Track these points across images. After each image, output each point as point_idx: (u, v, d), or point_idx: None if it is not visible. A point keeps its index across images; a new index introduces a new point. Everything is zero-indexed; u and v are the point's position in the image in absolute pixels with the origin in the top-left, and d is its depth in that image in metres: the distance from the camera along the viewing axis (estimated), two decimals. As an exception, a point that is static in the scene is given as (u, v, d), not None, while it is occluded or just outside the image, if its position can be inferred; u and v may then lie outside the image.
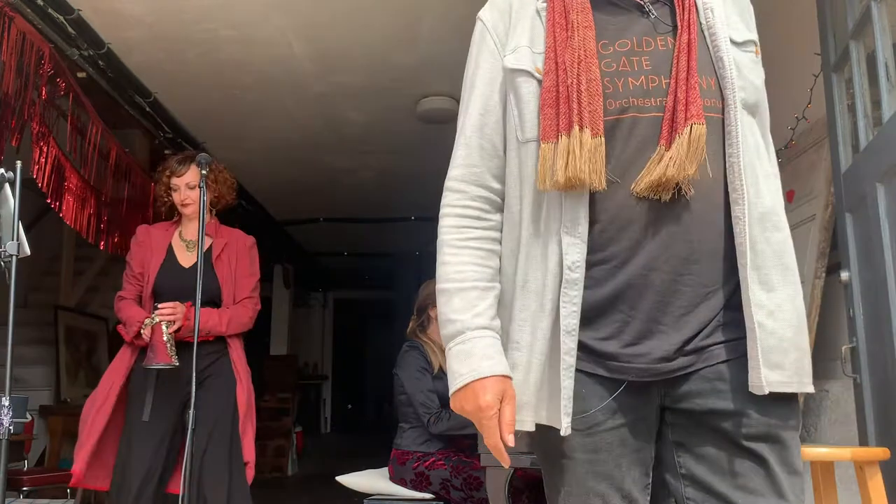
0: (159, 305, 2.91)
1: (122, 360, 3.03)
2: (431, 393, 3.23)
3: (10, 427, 2.19)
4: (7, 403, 2.19)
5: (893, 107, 2.18)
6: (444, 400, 3.27)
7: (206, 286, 2.89)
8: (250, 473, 2.99)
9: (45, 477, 4.47)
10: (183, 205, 3.05)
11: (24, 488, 4.22)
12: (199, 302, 2.75)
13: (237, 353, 3.06)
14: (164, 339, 2.83)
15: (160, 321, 2.85)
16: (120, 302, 3.12)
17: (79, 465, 2.86)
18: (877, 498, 1.93)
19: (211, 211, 3.14)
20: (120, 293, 3.14)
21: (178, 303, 2.91)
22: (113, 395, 2.95)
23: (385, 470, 3.34)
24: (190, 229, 3.11)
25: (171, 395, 2.93)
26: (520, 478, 3.06)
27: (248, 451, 2.99)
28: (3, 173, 2.33)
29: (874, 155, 2.28)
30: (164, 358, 2.81)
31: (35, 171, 3.46)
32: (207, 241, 3.04)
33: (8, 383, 2.22)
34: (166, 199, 3.13)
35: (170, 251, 3.08)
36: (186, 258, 3.05)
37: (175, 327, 2.86)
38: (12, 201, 2.33)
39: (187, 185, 3.03)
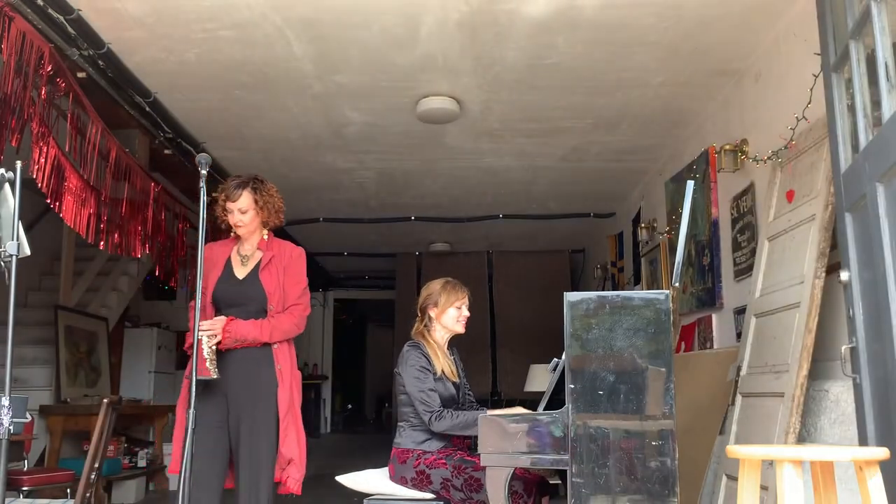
0: (200, 323, 3.09)
1: (188, 369, 3.25)
2: (433, 392, 3.23)
3: (10, 427, 2.20)
4: (7, 403, 2.20)
5: (893, 107, 2.18)
6: (444, 400, 3.27)
7: (254, 295, 3.21)
8: (296, 470, 3.18)
9: (45, 477, 4.47)
10: (236, 226, 3.27)
11: (24, 488, 4.22)
12: (198, 308, 2.83)
13: (283, 357, 3.24)
14: (205, 354, 3.00)
15: (201, 336, 3.00)
16: (191, 311, 3.35)
17: (176, 466, 3.13)
18: (877, 498, 1.93)
19: (262, 229, 3.35)
20: (191, 301, 3.36)
21: (216, 318, 3.12)
22: (182, 401, 3.20)
23: (385, 470, 3.34)
24: (245, 246, 3.34)
25: (215, 402, 3.15)
26: (520, 478, 3.06)
27: (291, 449, 3.19)
28: (3, 173, 2.33)
29: (874, 155, 2.28)
30: (204, 372, 2.98)
31: (35, 171, 3.46)
32: (258, 255, 3.31)
33: (8, 383, 2.23)
34: (224, 218, 3.32)
35: (227, 264, 3.31)
36: (241, 271, 3.29)
37: (215, 341, 3.05)
38: (12, 201, 2.33)
39: (239, 210, 3.23)
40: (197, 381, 3.03)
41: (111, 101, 4.32)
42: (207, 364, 2.98)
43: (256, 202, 3.25)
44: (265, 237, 3.35)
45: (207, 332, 3.02)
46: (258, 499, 3.12)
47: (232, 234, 3.35)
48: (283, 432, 3.18)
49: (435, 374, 3.29)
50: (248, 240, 3.32)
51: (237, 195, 3.22)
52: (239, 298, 3.19)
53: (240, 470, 3.16)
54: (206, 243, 3.13)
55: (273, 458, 3.17)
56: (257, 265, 3.28)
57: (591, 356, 2.65)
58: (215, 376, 3.01)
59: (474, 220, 7.88)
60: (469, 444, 3.38)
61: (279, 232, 8.08)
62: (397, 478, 3.23)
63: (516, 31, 3.86)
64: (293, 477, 3.19)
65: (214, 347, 3.04)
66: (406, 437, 3.28)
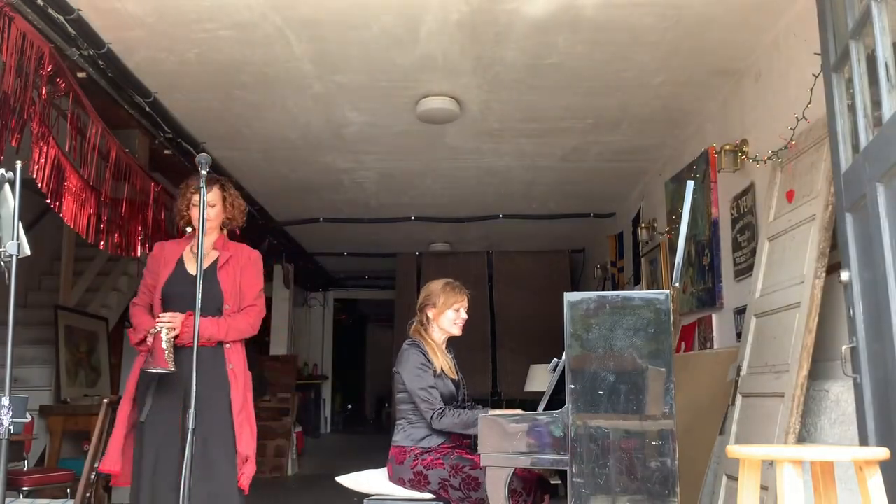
0: (159, 315, 3.12)
1: (137, 365, 3.24)
2: (433, 389, 3.23)
3: (10, 427, 2.20)
4: (7, 403, 2.20)
5: (893, 107, 2.18)
6: (444, 398, 3.27)
7: (211, 294, 3.16)
8: (250, 468, 3.18)
9: (45, 477, 4.47)
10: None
11: (24, 488, 4.22)
12: (198, 308, 2.82)
13: (235, 357, 3.24)
14: (164, 346, 3.00)
15: (160, 329, 3.03)
16: (133, 308, 3.36)
17: (109, 464, 3.15)
18: (877, 498, 1.93)
19: (221, 229, 3.37)
20: (133, 300, 3.38)
21: (177, 313, 3.11)
22: (128, 398, 3.21)
23: (385, 470, 3.34)
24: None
25: (171, 396, 3.12)
26: (519, 477, 3.06)
27: (247, 446, 3.17)
28: (3, 173, 2.33)
29: (874, 155, 2.28)
30: (162, 363, 2.99)
31: (35, 171, 3.46)
32: (214, 254, 3.30)
33: (8, 383, 2.23)
34: (185, 213, 3.33)
35: (180, 262, 3.29)
36: (194, 268, 3.25)
37: (173, 334, 3.06)
38: (12, 201, 2.33)
39: (208, 203, 3.21)
40: (153, 374, 3.07)
41: (111, 101, 4.32)
42: (165, 356, 2.99)
43: (224, 199, 3.32)
44: (224, 233, 3.37)
45: (167, 325, 3.03)
46: (229, 496, 3.10)
47: (187, 231, 3.36)
48: (239, 429, 3.17)
49: (434, 371, 3.29)
50: (206, 235, 3.24)
51: (208, 187, 3.22)
52: (190, 295, 3.02)
53: (193, 470, 3.09)
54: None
55: (231, 456, 3.14)
56: (214, 264, 3.28)
57: (591, 356, 2.65)
58: (172, 369, 3.00)
59: (474, 220, 7.88)
60: (469, 444, 3.38)
61: (281, 232, 8.03)
62: (395, 478, 3.23)
63: (516, 31, 3.86)
64: (247, 474, 3.17)
65: (172, 341, 3.04)
66: (403, 435, 3.28)
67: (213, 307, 3.19)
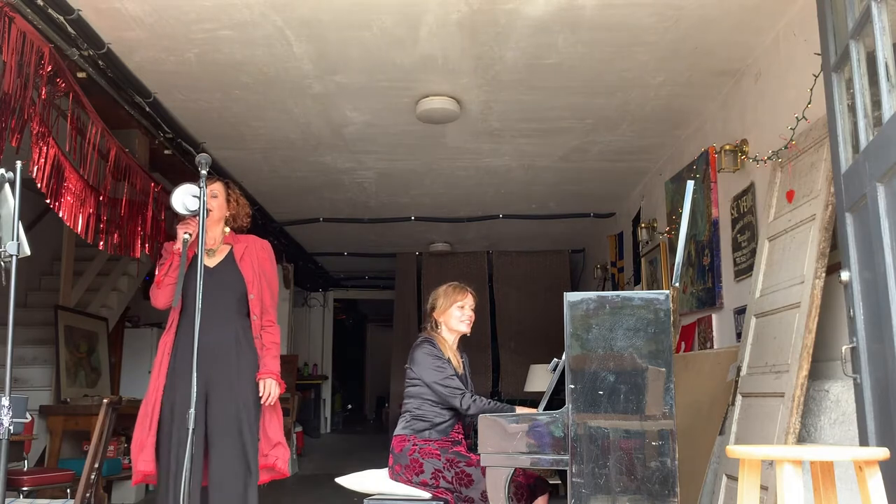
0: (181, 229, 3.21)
1: (157, 367, 3.28)
2: (454, 377, 3.35)
3: (10, 427, 2.20)
4: (7, 403, 2.20)
5: (893, 107, 2.18)
6: None
7: (234, 284, 3.32)
8: (284, 451, 3.30)
9: (45, 477, 4.47)
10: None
11: (24, 488, 4.21)
12: (199, 307, 2.80)
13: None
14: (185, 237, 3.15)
15: (187, 236, 3.15)
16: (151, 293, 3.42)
17: (146, 466, 3.16)
18: (877, 498, 1.92)
19: (226, 226, 3.47)
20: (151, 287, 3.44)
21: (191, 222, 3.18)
22: (156, 393, 3.22)
23: (385, 470, 3.36)
24: (209, 237, 3.35)
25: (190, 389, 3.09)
26: (512, 480, 3.07)
27: (278, 432, 3.33)
28: (3, 173, 2.33)
29: (874, 155, 2.28)
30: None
31: (35, 171, 3.46)
32: (226, 248, 3.41)
33: (8, 383, 2.23)
34: None
35: (193, 257, 3.32)
36: (209, 261, 3.36)
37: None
38: (12, 201, 2.34)
39: (211, 193, 3.33)
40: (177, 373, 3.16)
41: (111, 101, 4.32)
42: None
43: (229, 195, 3.44)
44: (226, 232, 3.45)
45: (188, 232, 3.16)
46: (246, 491, 3.13)
47: None
48: (268, 415, 3.30)
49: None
50: (209, 229, 3.32)
51: (211, 181, 3.35)
52: (209, 286, 3.11)
53: (216, 461, 3.15)
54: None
55: (255, 449, 3.21)
56: (230, 256, 3.38)
57: (591, 356, 2.66)
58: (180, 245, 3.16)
59: (474, 220, 7.88)
60: (470, 445, 3.40)
61: (281, 232, 8.02)
62: (394, 466, 3.28)
63: (516, 31, 3.86)
64: (282, 458, 3.28)
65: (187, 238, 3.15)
66: (405, 425, 3.38)
67: (236, 296, 3.32)
